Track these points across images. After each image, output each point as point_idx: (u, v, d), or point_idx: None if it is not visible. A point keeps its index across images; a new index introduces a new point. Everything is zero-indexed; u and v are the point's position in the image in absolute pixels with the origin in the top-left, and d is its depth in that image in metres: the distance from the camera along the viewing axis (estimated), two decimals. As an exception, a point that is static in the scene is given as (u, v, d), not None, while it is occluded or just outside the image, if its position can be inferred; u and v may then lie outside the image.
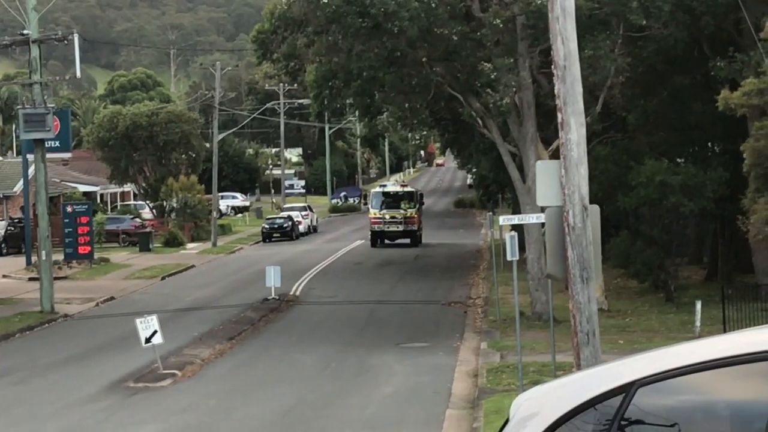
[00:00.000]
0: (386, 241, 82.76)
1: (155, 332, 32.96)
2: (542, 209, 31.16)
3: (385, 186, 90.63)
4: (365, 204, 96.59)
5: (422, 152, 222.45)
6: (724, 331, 31.69)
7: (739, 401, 5.59)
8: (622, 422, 5.91)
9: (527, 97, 41.83)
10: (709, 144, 53.31)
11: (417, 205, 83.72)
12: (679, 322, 40.13)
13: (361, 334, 42.31)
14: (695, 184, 44.07)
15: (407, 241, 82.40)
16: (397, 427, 26.20)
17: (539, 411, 6.44)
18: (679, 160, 49.89)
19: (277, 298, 50.83)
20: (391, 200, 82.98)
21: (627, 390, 5.92)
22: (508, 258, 30.92)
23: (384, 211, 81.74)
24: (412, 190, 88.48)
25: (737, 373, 5.55)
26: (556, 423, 6.22)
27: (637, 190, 44.31)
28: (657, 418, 5.83)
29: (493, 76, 41.67)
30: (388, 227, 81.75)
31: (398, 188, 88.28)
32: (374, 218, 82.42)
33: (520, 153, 43.39)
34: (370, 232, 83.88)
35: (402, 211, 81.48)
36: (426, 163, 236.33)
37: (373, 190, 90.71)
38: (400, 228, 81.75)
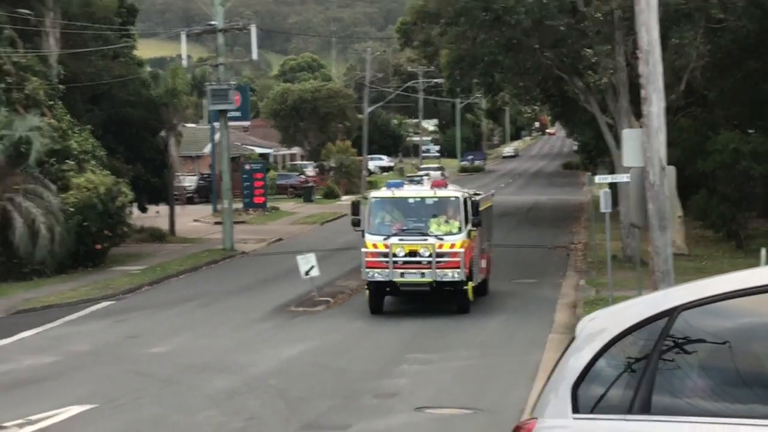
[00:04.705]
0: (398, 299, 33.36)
1: (312, 267, 33.25)
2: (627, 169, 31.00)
3: (398, 184, 33.90)
4: (357, 227, 31.82)
5: (537, 123, 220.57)
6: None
7: (766, 324, 5.54)
8: (666, 341, 5.91)
9: (622, 77, 41.36)
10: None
11: (467, 225, 31.28)
12: (747, 266, 38.75)
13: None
14: (764, 150, 43.46)
15: (442, 297, 31.69)
16: (508, 347, 26.21)
17: (604, 329, 6.47)
18: (750, 131, 49.00)
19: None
20: (409, 216, 31.77)
21: (671, 314, 5.92)
22: (602, 210, 30.84)
23: (393, 240, 30.91)
24: (455, 194, 31.96)
25: None
26: (616, 338, 6.25)
27: (713, 155, 43.78)
28: (696, 339, 5.83)
29: (593, 60, 41.37)
30: (403, 275, 30.79)
31: (424, 190, 32.75)
32: (372, 254, 31.05)
33: (616, 124, 42.99)
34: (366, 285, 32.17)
35: (432, 241, 30.72)
36: (541, 133, 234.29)
37: (371, 194, 34.16)
38: (426, 278, 30.62)
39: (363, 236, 31.23)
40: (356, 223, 31.55)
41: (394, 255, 30.55)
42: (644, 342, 6.05)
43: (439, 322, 29.76)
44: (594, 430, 6.13)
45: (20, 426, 18.60)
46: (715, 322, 5.77)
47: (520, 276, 40.09)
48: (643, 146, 17.82)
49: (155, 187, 57.90)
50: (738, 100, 49.06)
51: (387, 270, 30.60)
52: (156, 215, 59.01)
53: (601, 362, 6.25)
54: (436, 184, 33.02)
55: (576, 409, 6.31)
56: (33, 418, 19.18)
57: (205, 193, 78.48)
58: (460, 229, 30.92)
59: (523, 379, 21.54)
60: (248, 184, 71.18)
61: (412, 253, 30.60)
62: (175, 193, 59.96)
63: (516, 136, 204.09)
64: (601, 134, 49.03)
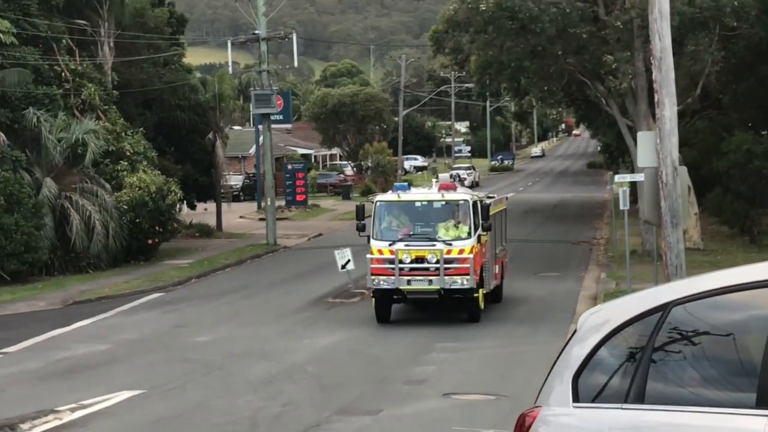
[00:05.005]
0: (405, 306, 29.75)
1: (349, 261, 33.19)
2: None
3: (404, 187, 30.01)
4: (362, 232, 28.09)
5: (563, 125, 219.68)
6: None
7: (750, 319, 5.52)
8: (659, 334, 5.91)
9: (641, 82, 41.14)
10: (788, 120, 52.05)
11: (477, 230, 27.48)
12: (760, 259, 38.29)
13: (509, 264, 42.06)
14: (775, 151, 43.33)
15: (452, 305, 28.17)
16: (531, 337, 26.09)
17: (607, 320, 6.47)
18: (762, 132, 48.77)
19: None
20: (417, 220, 28.24)
21: (664, 308, 5.92)
22: (621, 208, 30.77)
23: (399, 245, 27.16)
24: (464, 197, 28.21)
25: (752, 296, 5.49)
26: (617, 329, 6.26)
27: (728, 155, 43.55)
28: (687, 332, 5.82)
29: (614, 66, 41.17)
30: (409, 282, 27.13)
31: (431, 194, 28.62)
32: (377, 261, 27.49)
33: (636, 126, 42.78)
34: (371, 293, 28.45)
35: (440, 246, 27.00)
36: (567, 134, 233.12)
37: (376, 199, 29.05)
38: (434, 285, 26.94)
39: (368, 242, 27.61)
40: (361, 228, 28.11)
41: (400, 261, 26.99)
42: (640, 335, 6.05)
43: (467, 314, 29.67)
44: (592, 419, 6.13)
45: (72, 410, 18.74)
46: (705, 317, 5.76)
47: (544, 269, 39.97)
48: (656, 148, 17.72)
49: (203, 185, 58.13)
50: (751, 104, 48.84)
51: (393, 277, 27.08)
52: (204, 212, 59.26)
53: (602, 352, 6.26)
54: (444, 187, 28.78)
55: (576, 398, 6.31)
56: (85, 402, 19.33)
57: (250, 191, 78.71)
58: (469, 233, 27.29)
59: (545, 367, 21.24)
60: (290, 182, 71.29)
61: (419, 260, 27.06)
62: (222, 191, 60.17)
63: (543, 137, 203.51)
64: (621, 136, 48.89)
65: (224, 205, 59.67)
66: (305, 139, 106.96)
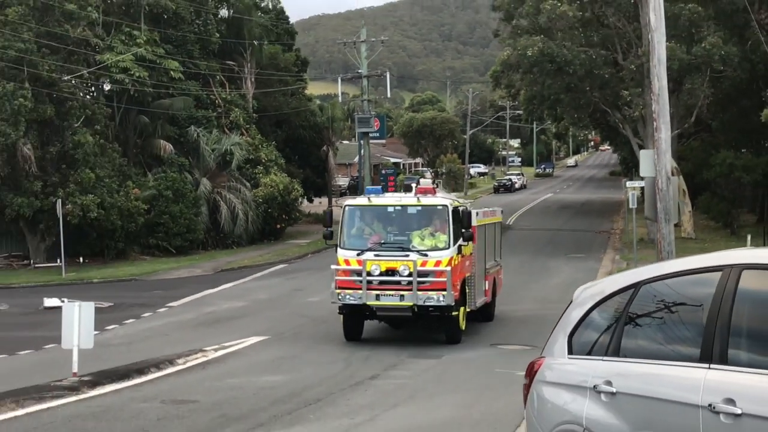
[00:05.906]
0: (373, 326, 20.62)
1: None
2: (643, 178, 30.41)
3: (378, 191, 19.86)
4: (329, 240, 18.85)
5: (592, 142, 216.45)
6: None
7: (697, 294, 5.48)
8: (632, 305, 5.90)
9: (649, 111, 40.15)
10: (762, 141, 50.89)
11: (456, 239, 18.39)
12: (738, 246, 38.09)
13: (546, 247, 41.82)
14: (752, 165, 42.42)
15: (429, 323, 19.14)
16: (560, 302, 25.67)
17: (601, 291, 6.47)
18: (742, 150, 47.78)
19: (498, 226, 49.18)
20: (390, 228, 18.81)
21: (635, 286, 5.90)
22: (630, 206, 30.30)
23: (368, 255, 18.17)
24: (442, 203, 18.73)
25: (700, 278, 5.45)
26: (606, 297, 6.27)
27: (715, 168, 42.82)
28: (652, 305, 5.80)
29: (628, 99, 40.74)
30: (378, 297, 18.07)
31: (406, 198, 19.19)
32: (343, 272, 18.38)
33: (644, 145, 42.10)
34: (339, 310, 18.88)
35: (413, 257, 17.93)
36: (595, 149, 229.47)
37: (345, 203, 19.67)
38: (406, 301, 17.95)
39: (336, 251, 18.89)
40: (328, 236, 19.16)
41: (369, 273, 18.21)
42: (618, 304, 6.05)
43: (514, 282, 29.46)
44: (582, 366, 6.15)
45: (215, 350, 19.06)
46: (666, 292, 5.74)
47: (573, 252, 39.57)
48: (654, 162, 17.48)
49: (319, 185, 58.62)
50: (734, 128, 47.96)
51: (360, 291, 18.29)
52: (319, 205, 59.68)
53: (594, 314, 6.26)
54: (421, 191, 19.43)
55: (570, 351, 6.32)
56: (225, 344, 19.64)
57: (354, 190, 78.95)
58: (448, 243, 18.44)
59: (568, 326, 21.23)
60: (384, 183, 71.17)
61: (390, 272, 18.24)
62: (333, 189, 60.57)
63: (576, 151, 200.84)
64: (634, 152, 48.25)
65: (334, 200, 60.04)
66: (396, 151, 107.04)
